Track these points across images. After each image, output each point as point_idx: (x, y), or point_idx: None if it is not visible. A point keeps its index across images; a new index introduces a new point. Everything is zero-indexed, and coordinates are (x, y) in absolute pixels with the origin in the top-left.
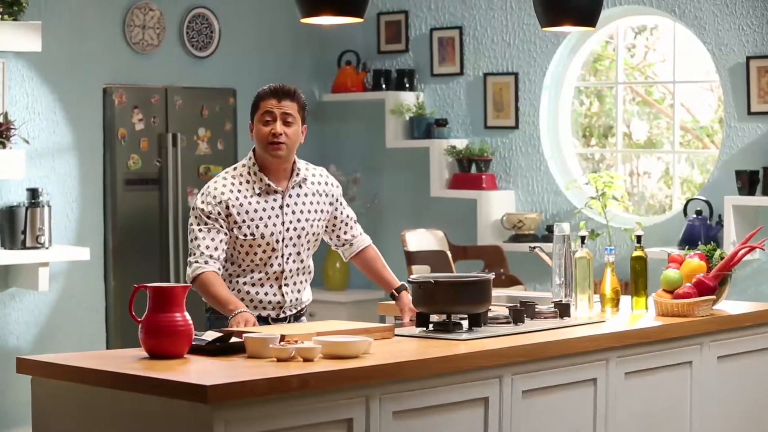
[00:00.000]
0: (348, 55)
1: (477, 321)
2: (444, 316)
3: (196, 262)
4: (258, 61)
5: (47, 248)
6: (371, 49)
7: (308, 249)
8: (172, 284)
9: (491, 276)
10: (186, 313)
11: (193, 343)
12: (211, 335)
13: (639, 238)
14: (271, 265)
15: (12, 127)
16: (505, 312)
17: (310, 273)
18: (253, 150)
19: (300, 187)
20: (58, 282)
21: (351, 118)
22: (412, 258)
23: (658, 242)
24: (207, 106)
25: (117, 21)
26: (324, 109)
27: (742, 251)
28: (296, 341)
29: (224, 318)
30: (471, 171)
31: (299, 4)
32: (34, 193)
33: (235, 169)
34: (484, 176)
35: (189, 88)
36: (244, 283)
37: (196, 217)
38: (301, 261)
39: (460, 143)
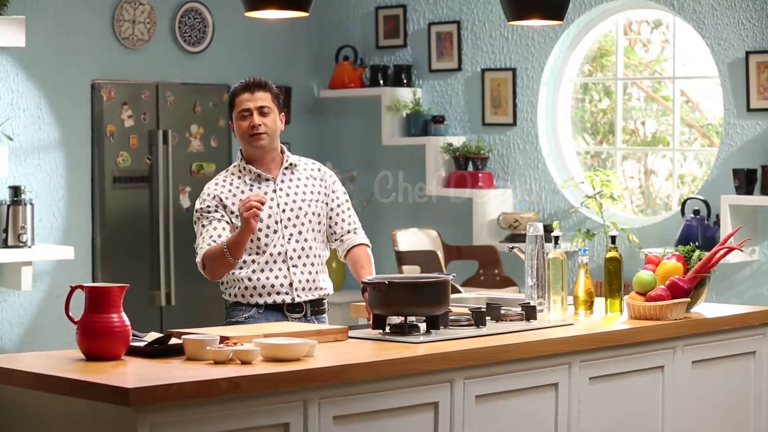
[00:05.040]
0: (346, 50)
1: (435, 323)
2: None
3: (201, 249)
4: (253, 57)
5: (30, 247)
6: (369, 44)
7: (313, 231)
8: (108, 284)
9: (450, 277)
10: (123, 314)
11: (133, 344)
12: (152, 336)
13: (613, 239)
14: (274, 247)
15: None
16: (468, 314)
17: (320, 257)
18: (240, 150)
19: (291, 172)
20: (44, 281)
21: (348, 115)
22: (402, 258)
23: (656, 242)
24: (200, 103)
25: (105, 16)
26: (322, 105)
27: (720, 253)
28: (235, 343)
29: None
30: (468, 169)
31: None
32: (16, 190)
33: (226, 171)
34: (480, 174)
35: (181, 84)
36: (253, 271)
37: (196, 221)
38: (305, 240)
39: (457, 140)
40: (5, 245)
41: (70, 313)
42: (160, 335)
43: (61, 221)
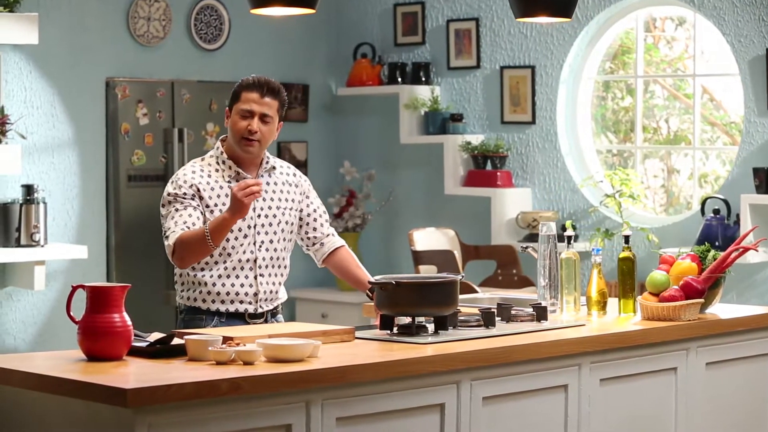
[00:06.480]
0: (364, 47)
1: (443, 323)
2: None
3: (173, 232)
4: (270, 54)
5: (42, 246)
6: (388, 41)
7: (284, 240)
8: (110, 284)
9: (458, 277)
10: (125, 314)
11: (135, 344)
12: (154, 336)
13: (627, 239)
14: (243, 252)
15: (8, 121)
16: (478, 315)
17: (285, 268)
18: (221, 140)
19: (270, 175)
20: (58, 281)
21: (366, 113)
22: (418, 258)
23: (676, 242)
24: (216, 101)
25: (120, 13)
26: (339, 103)
27: (735, 253)
28: (238, 344)
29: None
30: (486, 168)
31: None
32: (29, 189)
33: (202, 159)
34: (499, 173)
35: (197, 81)
36: (219, 276)
37: (166, 203)
38: (275, 250)
39: (476, 139)
40: (18, 244)
41: (72, 313)
42: (162, 335)
43: (75, 220)
